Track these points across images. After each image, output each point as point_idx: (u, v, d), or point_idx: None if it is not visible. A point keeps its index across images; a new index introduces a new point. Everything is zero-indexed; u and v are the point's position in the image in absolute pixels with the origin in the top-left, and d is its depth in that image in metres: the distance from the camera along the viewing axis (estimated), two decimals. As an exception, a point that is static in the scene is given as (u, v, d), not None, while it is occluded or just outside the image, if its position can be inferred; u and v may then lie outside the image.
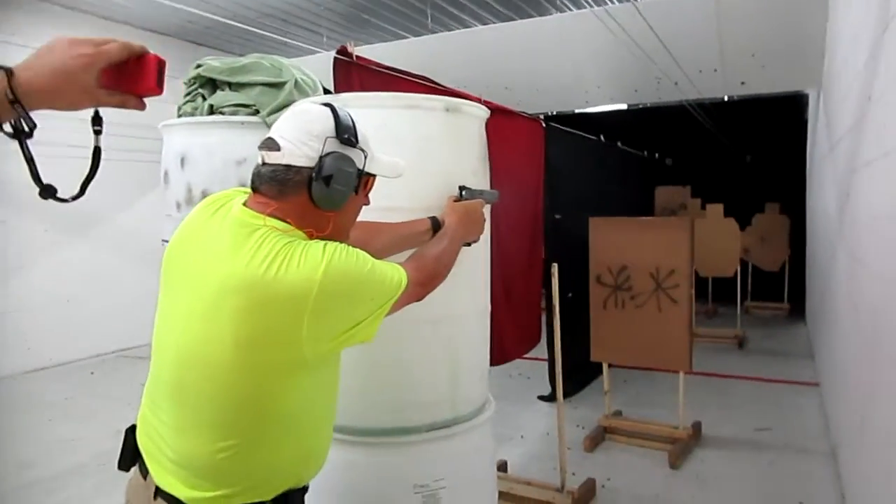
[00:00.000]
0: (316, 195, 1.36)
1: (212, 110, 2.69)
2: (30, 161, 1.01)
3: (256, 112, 2.66)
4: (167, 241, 1.48)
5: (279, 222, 1.35)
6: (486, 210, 2.08)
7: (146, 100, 1.10)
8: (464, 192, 1.99)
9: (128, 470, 1.47)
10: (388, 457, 2.03)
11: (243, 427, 1.31)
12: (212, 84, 2.75)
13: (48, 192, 1.05)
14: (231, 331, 1.26)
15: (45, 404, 5.61)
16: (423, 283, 1.58)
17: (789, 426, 4.76)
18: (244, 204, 1.39)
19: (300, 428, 1.39)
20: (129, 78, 1.05)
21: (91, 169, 1.12)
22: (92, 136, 1.11)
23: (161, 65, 1.08)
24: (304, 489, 1.45)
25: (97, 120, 1.12)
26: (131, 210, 7.52)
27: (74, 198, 1.08)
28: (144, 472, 1.39)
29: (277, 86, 2.70)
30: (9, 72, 0.95)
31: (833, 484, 3.72)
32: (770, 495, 3.65)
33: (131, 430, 1.47)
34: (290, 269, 1.26)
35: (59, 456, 4.35)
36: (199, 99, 2.74)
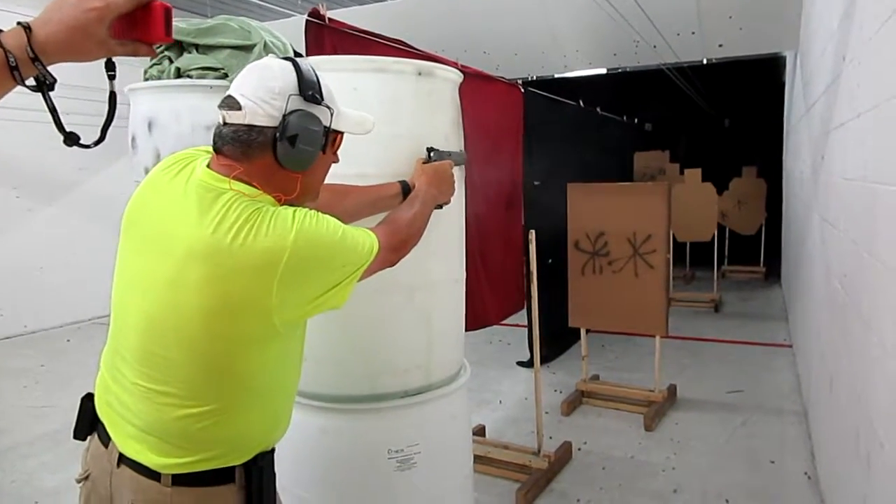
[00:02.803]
0: (281, 156, 1.31)
1: (179, 73, 2.63)
2: (53, 111, 1.05)
3: (225, 76, 2.60)
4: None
5: (246, 186, 1.30)
6: (459, 173, 2.06)
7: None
8: (432, 154, 1.95)
9: (84, 439, 1.43)
10: (362, 423, 2.03)
11: (215, 394, 1.28)
12: (178, 46, 2.68)
13: (72, 139, 1.08)
14: (198, 299, 1.23)
15: (19, 371, 5.58)
16: (396, 249, 1.55)
17: (763, 387, 4.84)
18: (208, 166, 1.34)
19: (271, 392, 1.38)
20: (139, 27, 1.08)
21: (108, 113, 1.13)
22: (107, 81, 1.13)
23: (168, 12, 1.10)
24: (272, 451, 1.44)
25: (110, 65, 1.13)
26: (101, 176, 7.37)
27: (96, 143, 1.11)
28: (105, 441, 1.36)
29: (246, 48, 2.63)
30: (27, 28, 0.96)
31: (804, 443, 3.80)
32: (742, 455, 3.72)
33: (88, 398, 1.43)
34: (259, 237, 1.22)
35: (34, 422, 4.34)
36: (166, 62, 2.66)
